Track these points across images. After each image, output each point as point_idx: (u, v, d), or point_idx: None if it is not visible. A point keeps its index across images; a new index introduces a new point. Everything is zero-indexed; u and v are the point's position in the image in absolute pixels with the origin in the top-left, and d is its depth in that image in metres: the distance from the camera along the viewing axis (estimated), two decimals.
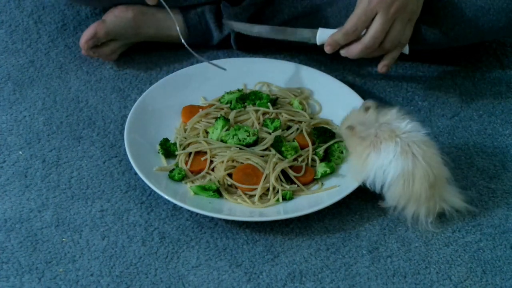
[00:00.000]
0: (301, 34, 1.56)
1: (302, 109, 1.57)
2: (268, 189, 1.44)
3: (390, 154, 1.36)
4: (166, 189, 1.42)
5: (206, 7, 1.69)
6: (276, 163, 1.45)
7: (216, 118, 1.51)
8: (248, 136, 1.48)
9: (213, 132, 1.51)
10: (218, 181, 1.44)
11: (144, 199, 1.45)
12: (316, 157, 1.49)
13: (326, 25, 1.65)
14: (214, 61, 1.60)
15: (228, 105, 1.57)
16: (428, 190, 1.37)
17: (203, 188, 1.43)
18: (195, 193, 1.44)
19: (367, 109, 1.42)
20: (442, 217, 1.42)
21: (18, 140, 1.54)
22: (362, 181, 1.41)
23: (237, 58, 1.69)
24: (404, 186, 1.36)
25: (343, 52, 1.52)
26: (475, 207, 1.44)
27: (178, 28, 1.58)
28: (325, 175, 1.48)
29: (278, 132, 1.50)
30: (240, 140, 1.48)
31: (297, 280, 1.35)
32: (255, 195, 1.43)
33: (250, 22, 1.67)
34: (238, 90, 1.60)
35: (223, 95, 1.59)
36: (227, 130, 1.50)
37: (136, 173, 1.45)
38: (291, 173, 1.46)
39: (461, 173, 1.50)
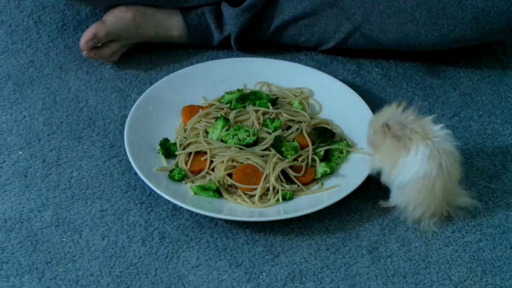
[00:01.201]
0: None
1: (302, 109, 1.57)
2: (268, 189, 1.44)
3: (418, 155, 1.35)
4: (166, 189, 1.42)
5: (207, 8, 1.69)
6: (276, 163, 1.45)
7: (216, 118, 1.51)
8: (248, 136, 1.48)
9: (213, 132, 1.51)
10: (218, 181, 1.44)
11: (144, 199, 1.45)
12: (316, 157, 1.49)
13: (326, 26, 1.66)
14: None
15: (228, 105, 1.57)
16: (441, 200, 1.38)
17: (203, 188, 1.43)
18: (195, 193, 1.44)
19: (405, 108, 1.38)
20: (442, 218, 1.42)
21: (18, 140, 1.54)
22: (387, 181, 1.40)
23: (237, 58, 1.69)
24: (421, 190, 1.36)
25: None
26: (479, 202, 1.44)
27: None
28: (325, 175, 1.48)
29: (278, 132, 1.50)
30: (240, 140, 1.48)
31: (297, 280, 1.35)
32: (255, 195, 1.43)
33: (251, 23, 1.68)
34: (238, 90, 1.60)
35: (223, 95, 1.59)
36: (227, 130, 1.50)
37: (136, 173, 1.45)
38: (291, 173, 1.46)
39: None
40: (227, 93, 1.59)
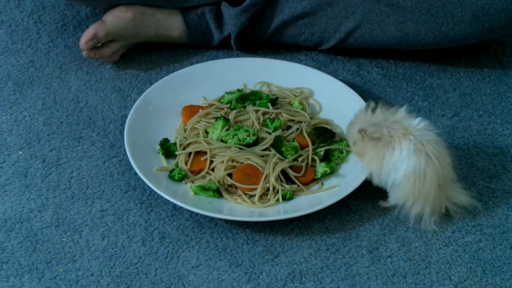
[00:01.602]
0: None
1: (302, 109, 1.57)
2: (268, 189, 1.44)
3: (404, 152, 1.36)
4: (166, 189, 1.42)
5: (206, 8, 1.69)
6: (276, 163, 1.45)
7: (216, 118, 1.51)
8: (248, 136, 1.48)
9: (213, 132, 1.50)
10: (218, 181, 1.44)
11: (144, 199, 1.45)
12: (316, 157, 1.49)
13: (326, 25, 1.66)
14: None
15: (228, 105, 1.57)
16: (437, 190, 1.38)
17: (203, 188, 1.43)
18: (195, 193, 1.44)
19: (373, 109, 1.40)
20: (442, 217, 1.42)
21: (18, 140, 1.54)
22: (380, 182, 1.40)
23: (237, 58, 1.69)
24: (415, 183, 1.36)
25: None
26: (478, 202, 1.44)
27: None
28: (325, 175, 1.47)
29: (278, 132, 1.50)
30: (240, 140, 1.48)
31: (297, 280, 1.35)
32: (255, 195, 1.43)
33: (251, 22, 1.68)
34: (238, 90, 1.60)
35: (223, 95, 1.59)
36: (227, 130, 1.50)
37: (136, 173, 1.45)
38: (291, 173, 1.45)
39: (461, 173, 1.50)
40: (227, 93, 1.59)
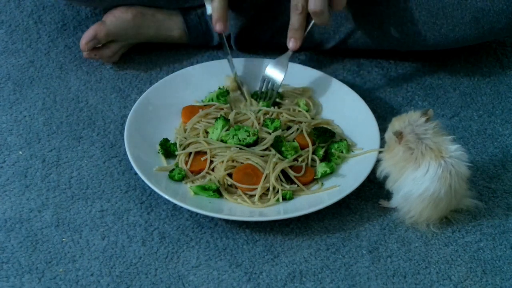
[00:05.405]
0: None
1: (307, 109, 1.57)
2: (268, 189, 1.44)
3: (429, 173, 1.33)
4: (166, 189, 1.42)
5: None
6: (276, 163, 1.45)
7: (216, 118, 1.51)
8: (248, 136, 1.48)
9: (213, 132, 1.51)
10: (218, 181, 1.44)
11: (144, 199, 1.45)
12: (316, 157, 1.49)
13: (326, 26, 1.65)
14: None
15: (228, 104, 1.57)
16: (443, 213, 1.39)
17: (203, 188, 1.43)
18: (195, 193, 1.44)
19: (427, 119, 1.36)
20: (442, 218, 1.42)
21: (18, 140, 1.54)
22: (392, 188, 1.39)
23: (237, 58, 1.69)
24: (427, 207, 1.35)
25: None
26: (479, 202, 1.44)
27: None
28: (325, 175, 1.47)
29: (278, 132, 1.50)
30: (240, 140, 1.48)
31: (297, 280, 1.35)
32: (255, 195, 1.43)
33: (251, 23, 1.67)
34: (219, 88, 1.59)
35: (207, 97, 1.58)
36: (227, 130, 1.50)
37: (136, 173, 1.45)
38: (291, 173, 1.45)
39: None
40: (211, 93, 1.59)
